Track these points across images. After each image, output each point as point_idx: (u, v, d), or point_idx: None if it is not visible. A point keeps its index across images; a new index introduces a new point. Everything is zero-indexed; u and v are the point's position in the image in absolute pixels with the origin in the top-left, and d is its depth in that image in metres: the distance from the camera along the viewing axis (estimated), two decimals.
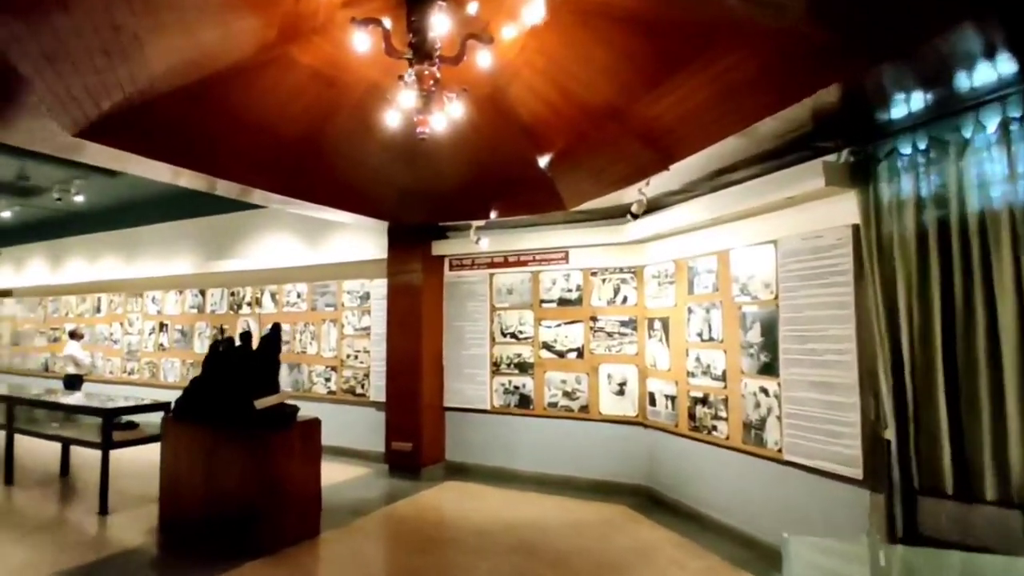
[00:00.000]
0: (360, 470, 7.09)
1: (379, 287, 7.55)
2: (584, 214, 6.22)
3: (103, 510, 5.45)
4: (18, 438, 6.64)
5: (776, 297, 4.32)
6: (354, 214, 6.41)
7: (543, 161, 5.17)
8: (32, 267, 12.41)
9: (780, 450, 4.21)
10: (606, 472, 6.12)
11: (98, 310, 11.16)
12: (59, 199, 8.79)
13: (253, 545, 4.49)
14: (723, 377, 4.85)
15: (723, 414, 4.82)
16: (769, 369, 4.34)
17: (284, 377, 8.25)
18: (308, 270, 8.29)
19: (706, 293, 5.10)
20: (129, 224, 10.46)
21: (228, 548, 4.49)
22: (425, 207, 6.36)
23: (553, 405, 6.46)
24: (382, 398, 7.25)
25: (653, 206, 5.41)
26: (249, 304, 8.99)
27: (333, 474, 6.46)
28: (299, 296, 8.47)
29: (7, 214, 9.96)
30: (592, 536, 4.96)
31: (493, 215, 6.11)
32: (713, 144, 4.15)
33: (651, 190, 5.06)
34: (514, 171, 5.38)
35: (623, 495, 5.91)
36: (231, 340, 5.40)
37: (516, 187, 5.67)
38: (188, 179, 5.03)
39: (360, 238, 7.68)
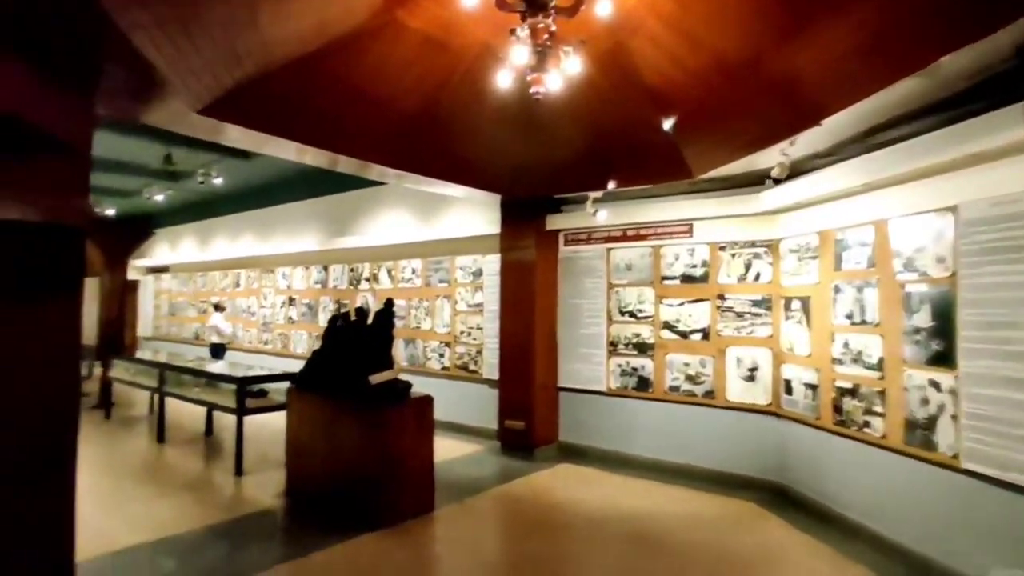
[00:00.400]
0: (473, 447, 7.09)
1: (492, 263, 7.46)
2: (710, 183, 5.68)
3: (238, 471, 5.83)
4: (170, 401, 7.29)
5: (954, 274, 3.62)
6: (467, 187, 6.30)
7: (668, 124, 4.71)
8: (184, 245, 13.71)
9: (956, 456, 3.55)
10: (731, 463, 5.64)
11: (237, 285, 12.10)
12: (202, 182, 9.51)
13: (371, 517, 4.55)
14: (879, 366, 4.20)
15: (878, 409, 4.18)
16: (942, 360, 3.67)
17: (400, 352, 8.45)
18: (422, 246, 8.38)
19: (858, 269, 4.44)
20: (263, 205, 11.17)
21: (348, 518, 4.59)
22: (539, 178, 6.09)
23: (675, 389, 6.04)
24: (495, 375, 7.20)
25: (792, 172, 4.79)
26: (367, 280, 9.28)
27: (446, 450, 6.50)
28: (414, 272, 8.59)
29: (161, 198, 11.00)
30: (716, 532, 4.54)
31: (611, 186, 5.73)
32: (872, 94, 3.52)
33: (794, 151, 4.47)
34: (636, 136, 4.96)
35: (749, 489, 5.41)
36: (348, 315, 5.50)
37: (638, 154, 5.25)
38: (312, 156, 5.12)
39: (473, 213, 7.60)
